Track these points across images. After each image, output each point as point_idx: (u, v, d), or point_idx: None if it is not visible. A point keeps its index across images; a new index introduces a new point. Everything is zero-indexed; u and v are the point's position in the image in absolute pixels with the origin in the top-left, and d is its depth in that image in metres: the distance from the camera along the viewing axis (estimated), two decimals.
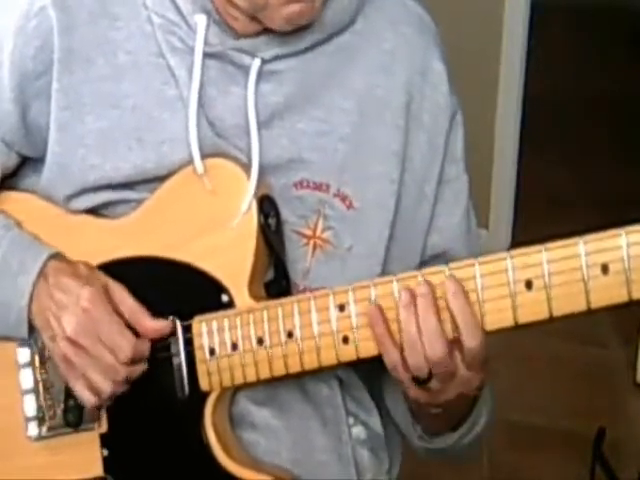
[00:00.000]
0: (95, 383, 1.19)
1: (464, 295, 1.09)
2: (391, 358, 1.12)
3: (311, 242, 1.24)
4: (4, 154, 1.29)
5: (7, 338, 1.27)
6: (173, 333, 1.22)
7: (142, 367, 1.20)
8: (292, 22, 1.18)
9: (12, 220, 1.28)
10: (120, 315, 1.20)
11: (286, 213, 1.22)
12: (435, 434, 1.26)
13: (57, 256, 1.23)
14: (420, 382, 1.13)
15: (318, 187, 1.23)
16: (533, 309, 1.07)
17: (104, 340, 1.18)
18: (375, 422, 1.34)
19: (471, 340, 1.09)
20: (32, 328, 1.24)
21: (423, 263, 1.27)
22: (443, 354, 1.09)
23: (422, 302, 1.09)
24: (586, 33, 5.82)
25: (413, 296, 1.10)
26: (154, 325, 1.21)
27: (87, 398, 1.21)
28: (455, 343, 1.10)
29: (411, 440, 1.31)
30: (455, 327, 1.09)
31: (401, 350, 1.11)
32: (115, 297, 1.21)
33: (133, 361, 1.19)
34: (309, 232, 1.24)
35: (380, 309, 1.12)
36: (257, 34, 1.21)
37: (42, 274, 1.22)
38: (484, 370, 1.14)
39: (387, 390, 1.33)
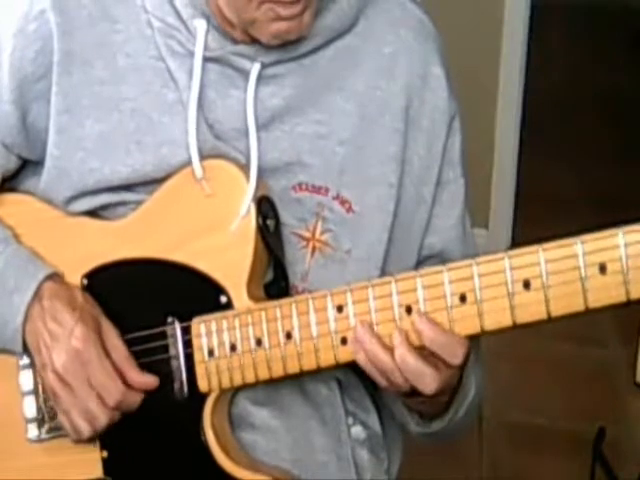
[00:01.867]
0: (76, 425, 1.21)
1: (430, 323, 1.08)
2: (381, 384, 1.13)
3: (310, 244, 1.24)
4: (4, 157, 1.29)
5: (3, 351, 1.27)
6: (164, 336, 1.22)
7: (116, 415, 1.21)
8: (279, 38, 1.18)
9: (10, 232, 1.28)
10: (109, 358, 1.20)
11: (285, 215, 1.22)
12: (432, 418, 1.26)
13: (53, 277, 1.24)
14: (409, 395, 1.13)
15: (317, 190, 1.23)
16: (531, 309, 1.07)
17: (93, 383, 1.19)
18: (374, 422, 1.35)
19: (453, 359, 1.09)
20: (27, 344, 1.24)
21: (418, 263, 1.28)
22: (418, 367, 1.09)
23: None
24: (586, 33, 5.82)
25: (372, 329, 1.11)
26: (140, 379, 1.21)
27: (69, 432, 1.23)
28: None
29: (409, 427, 1.31)
30: (433, 355, 1.09)
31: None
32: (106, 339, 1.21)
33: (118, 408, 1.20)
34: (308, 234, 1.23)
35: (363, 338, 1.11)
36: (254, 41, 1.21)
37: (37, 295, 1.22)
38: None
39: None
